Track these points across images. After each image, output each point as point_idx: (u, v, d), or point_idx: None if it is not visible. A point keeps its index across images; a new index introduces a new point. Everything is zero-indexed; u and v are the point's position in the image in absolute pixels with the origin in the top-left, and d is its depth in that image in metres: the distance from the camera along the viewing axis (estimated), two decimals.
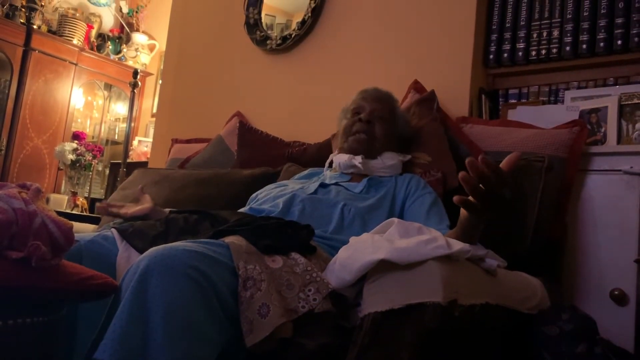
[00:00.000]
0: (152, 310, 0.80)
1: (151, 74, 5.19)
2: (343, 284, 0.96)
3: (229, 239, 0.99)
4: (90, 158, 4.16)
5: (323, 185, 1.50)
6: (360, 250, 0.92)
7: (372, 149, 1.57)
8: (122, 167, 3.43)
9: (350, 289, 0.98)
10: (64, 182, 4.51)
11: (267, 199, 1.47)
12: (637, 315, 1.50)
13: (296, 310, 0.92)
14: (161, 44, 4.97)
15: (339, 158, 1.59)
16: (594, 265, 1.60)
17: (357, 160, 1.53)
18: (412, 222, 0.98)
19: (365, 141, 1.57)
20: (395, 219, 0.97)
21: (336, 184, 1.50)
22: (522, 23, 2.09)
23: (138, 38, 5.12)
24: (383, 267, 0.87)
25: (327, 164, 1.66)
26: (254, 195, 1.58)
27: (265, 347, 0.87)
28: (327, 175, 1.59)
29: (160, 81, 3.80)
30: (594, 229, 1.61)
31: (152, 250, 0.87)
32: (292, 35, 2.52)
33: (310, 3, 2.47)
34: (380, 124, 1.60)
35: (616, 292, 1.53)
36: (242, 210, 1.46)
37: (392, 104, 1.69)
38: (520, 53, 2.08)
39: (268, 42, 2.62)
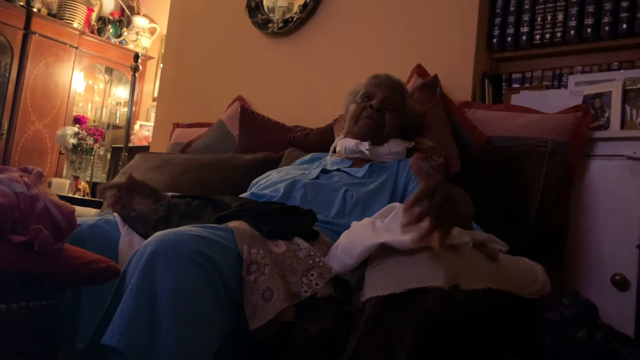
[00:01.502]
0: (159, 295, 0.80)
1: (152, 58, 5.16)
2: (345, 269, 0.96)
3: (232, 224, 0.99)
4: (92, 142, 4.16)
5: (325, 171, 1.49)
6: (361, 235, 0.92)
7: (379, 137, 1.56)
8: (123, 152, 3.43)
9: (353, 274, 0.98)
10: (65, 166, 4.51)
11: (268, 184, 1.46)
12: (638, 300, 1.50)
13: (299, 295, 0.92)
14: (162, 28, 4.93)
15: (345, 142, 1.58)
16: (595, 251, 1.60)
17: (365, 146, 1.52)
18: None
19: (374, 129, 1.56)
20: (397, 204, 0.97)
21: (338, 170, 1.49)
22: (527, 6, 2.07)
23: (139, 21, 5.08)
24: (385, 252, 0.87)
25: (332, 149, 1.66)
26: (254, 181, 1.58)
27: (268, 331, 0.87)
28: (329, 160, 1.58)
29: (161, 65, 3.78)
30: (597, 215, 1.61)
31: (159, 234, 0.87)
32: (294, 19, 2.50)
33: None
34: (391, 113, 1.58)
35: (617, 278, 1.53)
36: (243, 195, 1.46)
37: (403, 93, 1.67)
38: (524, 37, 2.06)
39: (269, 25, 2.60)
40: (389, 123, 1.57)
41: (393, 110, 1.59)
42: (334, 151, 1.64)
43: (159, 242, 0.85)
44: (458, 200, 0.88)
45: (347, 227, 1.02)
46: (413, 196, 0.83)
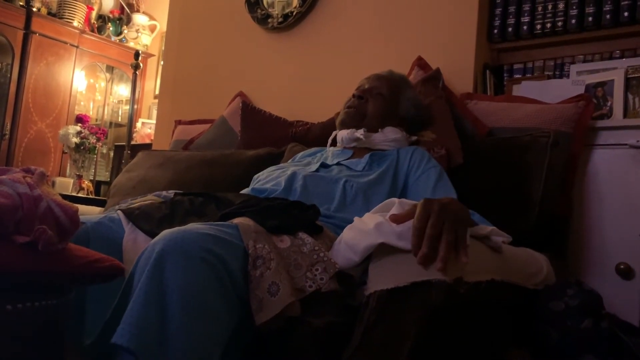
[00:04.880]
0: (169, 294, 0.80)
1: (153, 55, 5.15)
2: (350, 264, 0.96)
3: (237, 220, 0.99)
4: (94, 141, 4.17)
5: (324, 165, 1.49)
6: (364, 232, 0.92)
7: (361, 123, 1.55)
8: (126, 150, 3.43)
9: (356, 268, 0.98)
10: (69, 165, 4.52)
11: (269, 179, 1.46)
12: None
13: (303, 290, 0.92)
14: (162, 25, 4.92)
15: (340, 134, 1.58)
16: (599, 240, 1.59)
17: (360, 132, 1.51)
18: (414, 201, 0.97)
19: (353, 115, 1.56)
20: (396, 199, 0.96)
21: (338, 164, 1.49)
22: None
23: (139, 19, 5.07)
24: (388, 248, 0.87)
25: (330, 141, 1.65)
26: (255, 176, 1.58)
27: (273, 326, 0.87)
28: (330, 152, 1.58)
29: (162, 62, 3.78)
30: (600, 204, 1.61)
31: (166, 233, 0.87)
32: (294, 13, 2.49)
33: None
34: (375, 100, 1.57)
35: (622, 267, 1.53)
36: (244, 191, 1.46)
37: (396, 83, 1.63)
38: (525, 27, 2.05)
39: (269, 20, 2.60)
40: (371, 110, 1.56)
41: (378, 97, 1.58)
42: (333, 143, 1.64)
43: (167, 240, 0.85)
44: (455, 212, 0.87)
45: (348, 220, 1.02)
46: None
